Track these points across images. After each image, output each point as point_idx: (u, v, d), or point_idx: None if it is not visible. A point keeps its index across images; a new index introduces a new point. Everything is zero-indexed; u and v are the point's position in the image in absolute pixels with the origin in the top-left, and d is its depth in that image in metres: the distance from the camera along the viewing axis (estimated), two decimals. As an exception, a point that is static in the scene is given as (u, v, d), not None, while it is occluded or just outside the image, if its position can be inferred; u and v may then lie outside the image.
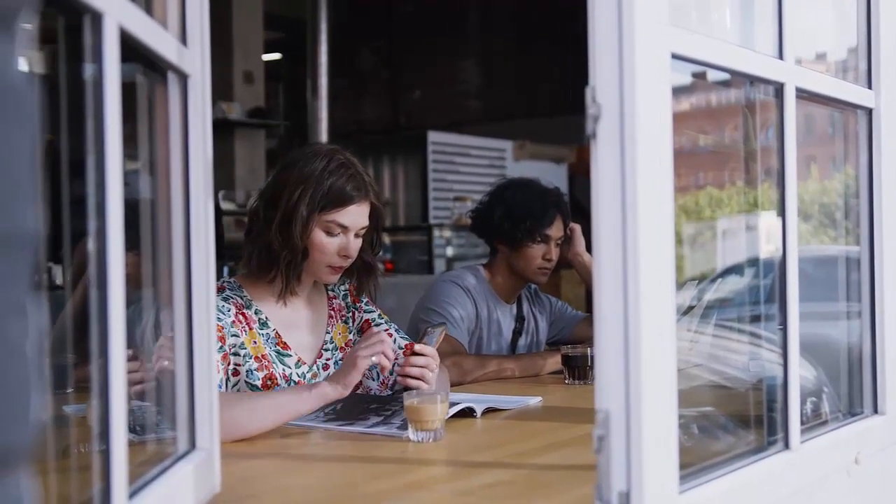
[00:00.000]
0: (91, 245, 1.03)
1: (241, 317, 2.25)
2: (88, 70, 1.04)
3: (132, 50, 1.15)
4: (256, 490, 1.64)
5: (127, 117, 1.09)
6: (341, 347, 2.43)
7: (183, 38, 1.39)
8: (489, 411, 2.26)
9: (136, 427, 1.38)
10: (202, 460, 1.40)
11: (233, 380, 2.20)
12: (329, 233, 2.27)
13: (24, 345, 0.57)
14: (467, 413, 2.19)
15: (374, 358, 2.06)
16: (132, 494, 1.13)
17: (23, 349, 0.56)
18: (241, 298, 2.29)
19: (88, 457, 1.40)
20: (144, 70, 1.33)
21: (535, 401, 2.43)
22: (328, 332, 2.42)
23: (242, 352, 2.22)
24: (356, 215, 2.28)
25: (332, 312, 2.45)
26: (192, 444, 1.41)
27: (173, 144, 1.39)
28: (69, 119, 1.05)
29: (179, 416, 1.40)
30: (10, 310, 0.55)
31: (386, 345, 2.09)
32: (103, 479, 1.04)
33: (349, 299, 2.50)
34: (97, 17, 1.03)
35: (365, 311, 2.51)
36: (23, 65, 0.60)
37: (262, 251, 2.27)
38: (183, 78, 1.39)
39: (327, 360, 2.39)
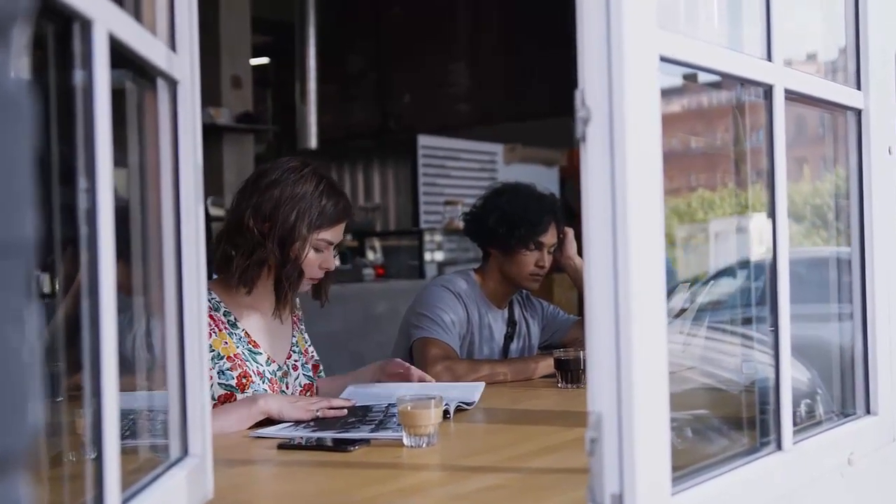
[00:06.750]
0: (82, 252, 1.03)
1: (209, 319, 2.28)
2: (78, 76, 1.04)
3: (120, 56, 1.14)
4: (249, 496, 1.64)
5: (115, 124, 1.08)
6: (304, 352, 2.54)
7: (172, 44, 1.39)
8: (460, 410, 2.30)
9: (126, 433, 1.37)
10: (195, 467, 1.39)
11: None
12: (317, 249, 2.37)
13: (21, 350, 0.57)
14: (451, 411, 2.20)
15: (319, 413, 2.20)
16: (125, 501, 1.12)
17: (20, 355, 0.57)
18: (210, 301, 2.33)
19: (74, 465, 1.39)
20: (133, 76, 1.33)
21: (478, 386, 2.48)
22: (293, 337, 2.53)
23: (211, 353, 2.27)
24: (341, 232, 2.42)
25: (295, 320, 2.56)
26: (185, 451, 1.41)
27: (163, 151, 1.38)
28: (58, 125, 1.05)
29: (172, 422, 1.40)
30: (8, 316, 0.56)
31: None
32: (96, 486, 1.04)
33: (301, 314, 2.61)
34: (87, 24, 1.03)
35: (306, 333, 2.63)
36: (18, 72, 0.60)
37: (256, 265, 2.33)
38: (172, 84, 1.38)
39: (295, 361, 2.50)
